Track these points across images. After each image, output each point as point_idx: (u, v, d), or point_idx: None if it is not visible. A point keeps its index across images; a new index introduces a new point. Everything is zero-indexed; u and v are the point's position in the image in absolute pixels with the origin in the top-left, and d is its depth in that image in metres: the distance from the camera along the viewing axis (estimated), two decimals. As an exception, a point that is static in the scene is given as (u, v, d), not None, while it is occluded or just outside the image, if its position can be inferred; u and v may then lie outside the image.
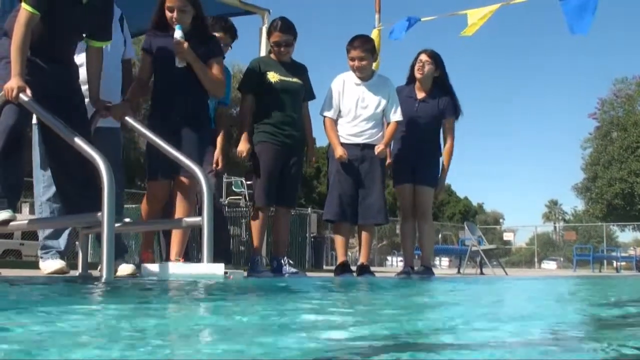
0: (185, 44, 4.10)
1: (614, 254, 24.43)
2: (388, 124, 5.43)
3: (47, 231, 4.55)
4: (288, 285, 3.70)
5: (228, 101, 5.22)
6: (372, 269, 5.88)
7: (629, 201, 37.58)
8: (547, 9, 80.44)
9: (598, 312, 2.21)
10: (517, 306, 2.55)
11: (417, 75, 5.68)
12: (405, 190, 5.68)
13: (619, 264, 22.97)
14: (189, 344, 1.23)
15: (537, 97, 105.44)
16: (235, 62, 25.01)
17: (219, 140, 4.89)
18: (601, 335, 1.50)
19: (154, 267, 3.79)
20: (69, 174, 3.91)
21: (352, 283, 4.49)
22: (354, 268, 5.78)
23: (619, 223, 36.14)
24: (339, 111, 5.40)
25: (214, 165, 4.82)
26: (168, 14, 4.16)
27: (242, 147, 5.02)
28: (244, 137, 5.05)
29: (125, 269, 4.40)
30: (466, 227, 14.16)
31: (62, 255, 4.53)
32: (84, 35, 3.97)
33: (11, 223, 3.72)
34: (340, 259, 5.52)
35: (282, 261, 5.17)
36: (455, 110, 5.79)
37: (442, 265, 26.61)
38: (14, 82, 3.53)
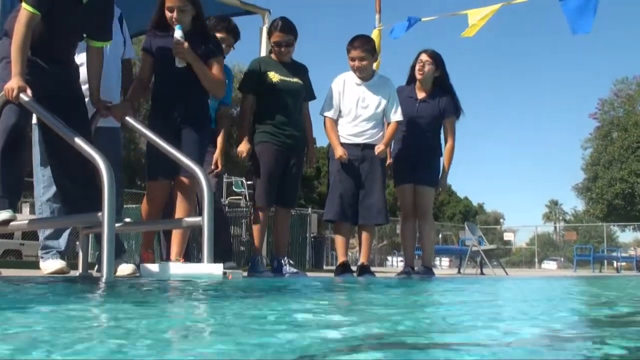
0: (185, 44, 4.10)
1: (614, 254, 24.41)
2: (388, 124, 5.43)
3: (48, 231, 4.55)
4: (286, 285, 3.70)
5: (229, 101, 5.20)
6: (373, 269, 5.88)
7: (630, 201, 37.59)
8: (547, 9, 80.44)
9: (593, 312, 2.22)
10: (515, 306, 2.55)
11: (418, 75, 5.68)
12: (406, 191, 5.68)
13: (619, 264, 22.96)
14: (184, 343, 1.23)
15: (537, 97, 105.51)
16: (235, 62, 25.02)
17: (219, 140, 4.87)
18: (591, 334, 1.50)
19: (153, 267, 3.80)
20: (69, 174, 3.91)
21: (352, 283, 4.49)
22: (354, 268, 5.78)
23: (620, 223, 36.14)
24: (340, 111, 5.41)
25: (213, 167, 4.80)
26: (168, 14, 4.16)
27: (242, 147, 5.02)
28: (244, 137, 5.05)
29: (124, 268, 4.40)
30: (466, 227, 14.16)
31: (62, 255, 4.53)
32: (85, 35, 3.98)
33: (11, 223, 3.73)
34: (341, 259, 5.52)
35: (283, 261, 5.17)
36: (455, 110, 5.79)
37: (443, 265, 26.61)
38: (14, 82, 3.53)
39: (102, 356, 1.05)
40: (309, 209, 17.18)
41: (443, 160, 5.79)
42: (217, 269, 3.48)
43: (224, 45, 4.87)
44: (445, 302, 2.84)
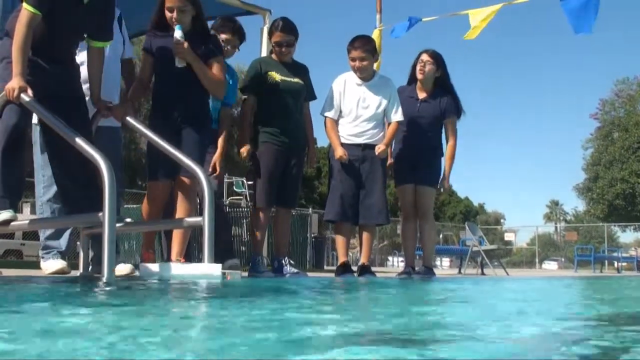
0: (185, 44, 4.10)
1: (615, 254, 24.42)
2: (389, 124, 5.43)
3: (48, 231, 4.55)
4: (286, 285, 3.70)
5: (233, 101, 5.15)
6: (373, 269, 5.88)
7: (630, 201, 37.58)
8: (548, 9, 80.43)
9: (590, 311, 2.22)
10: (512, 306, 2.54)
11: (419, 75, 5.68)
12: (407, 191, 5.68)
13: (620, 264, 22.96)
14: (178, 343, 1.23)
15: (538, 97, 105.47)
16: (236, 62, 24.98)
17: (220, 142, 4.84)
18: (589, 334, 1.50)
19: (151, 267, 3.80)
20: (70, 174, 3.91)
21: (353, 283, 4.49)
22: (355, 268, 5.78)
23: (620, 223, 36.12)
24: (340, 111, 5.41)
25: (210, 169, 4.75)
26: (168, 14, 4.16)
27: (243, 147, 5.02)
28: (244, 137, 5.05)
29: (122, 268, 4.40)
30: (467, 228, 14.16)
31: (63, 255, 4.53)
32: (85, 35, 3.98)
33: (12, 223, 3.72)
34: (341, 259, 5.51)
35: (283, 261, 5.17)
36: (456, 110, 5.79)
37: (443, 265, 26.62)
38: (15, 82, 3.53)
39: (102, 356, 1.05)
40: (310, 209, 17.19)
41: (444, 160, 5.79)
42: (216, 269, 3.48)
43: (228, 47, 4.86)
44: (444, 302, 2.84)
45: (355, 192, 5.34)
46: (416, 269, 5.76)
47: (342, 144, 5.31)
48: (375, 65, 5.68)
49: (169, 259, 4.30)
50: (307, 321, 1.64)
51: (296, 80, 5.10)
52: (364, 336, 1.37)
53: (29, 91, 3.55)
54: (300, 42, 5.18)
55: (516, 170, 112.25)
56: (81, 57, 4.14)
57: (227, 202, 15.26)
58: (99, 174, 3.32)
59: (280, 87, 5.03)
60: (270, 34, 5.17)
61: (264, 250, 5.29)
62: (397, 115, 5.40)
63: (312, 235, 15.91)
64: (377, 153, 5.28)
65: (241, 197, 16.47)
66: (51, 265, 4.39)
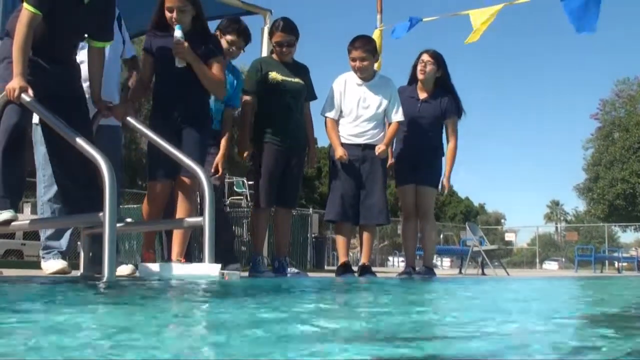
0: (185, 44, 4.10)
1: (615, 254, 24.42)
2: (389, 124, 5.43)
3: (49, 231, 4.55)
4: (287, 285, 3.70)
5: (238, 103, 5.06)
6: (374, 269, 5.88)
7: (631, 202, 37.58)
8: (549, 9, 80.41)
9: (588, 311, 2.21)
10: (515, 305, 2.54)
11: (420, 76, 5.67)
12: (407, 191, 5.68)
13: (620, 264, 22.96)
14: (177, 343, 1.23)
15: (538, 97, 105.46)
16: (236, 62, 24.99)
17: (223, 142, 4.81)
18: (586, 333, 1.50)
19: (151, 267, 3.80)
20: (70, 174, 3.91)
21: (353, 283, 4.49)
22: (355, 268, 5.78)
23: (621, 224, 36.12)
24: (341, 111, 5.41)
25: (213, 170, 4.75)
26: (168, 14, 4.15)
27: (243, 147, 5.02)
28: (244, 137, 5.05)
29: (124, 269, 4.41)
30: (468, 228, 14.15)
31: (63, 255, 4.54)
32: (86, 35, 3.98)
33: (13, 223, 3.73)
34: (342, 259, 5.51)
35: (284, 261, 5.17)
36: (457, 110, 5.79)
37: (444, 265, 26.62)
38: (15, 83, 3.54)
39: (101, 356, 1.05)
40: (310, 209, 17.20)
41: (445, 160, 5.79)
42: (214, 269, 3.48)
43: (233, 48, 4.85)
44: (444, 302, 2.84)
45: (355, 192, 5.34)
46: (417, 269, 5.76)
47: (343, 144, 5.31)
48: (375, 66, 5.67)
49: (169, 259, 4.30)
50: (307, 321, 1.64)
51: (297, 80, 5.10)
52: (363, 336, 1.37)
53: (30, 91, 3.56)
54: (301, 42, 5.18)
55: (517, 170, 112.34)
56: (81, 55, 4.14)
57: (228, 202, 15.26)
58: (99, 174, 3.33)
59: (281, 87, 5.03)
60: (271, 34, 5.17)
61: (264, 250, 5.29)
62: (397, 116, 5.40)
63: (313, 236, 15.92)
64: (377, 153, 5.28)
65: (242, 197, 16.48)
66: (52, 265, 4.40)
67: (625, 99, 40.77)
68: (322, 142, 18.14)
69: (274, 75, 5.02)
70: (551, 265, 39.15)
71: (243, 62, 4.91)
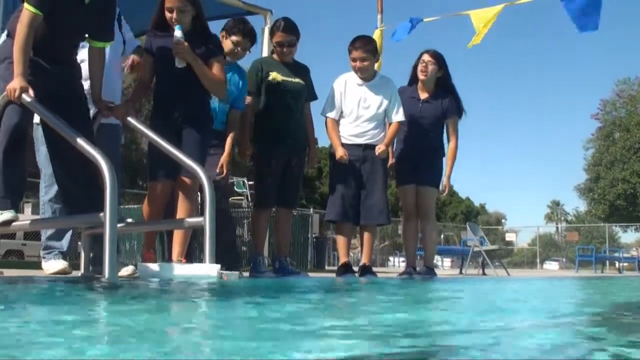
0: (185, 44, 4.09)
1: (616, 254, 24.41)
2: (390, 124, 5.43)
3: (50, 231, 4.56)
4: (287, 285, 3.70)
5: (242, 106, 4.93)
6: (374, 269, 5.87)
7: (632, 202, 37.56)
8: (550, 9, 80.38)
9: (586, 311, 2.21)
10: (510, 305, 2.54)
11: (421, 76, 5.67)
12: (408, 191, 5.68)
13: (621, 264, 22.95)
14: (175, 342, 1.23)
15: (538, 97, 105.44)
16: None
17: (228, 143, 4.77)
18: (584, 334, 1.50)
19: (150, 267, 3.80)
20: (71, 174, 3.91)
21: (354, 283, 4.49)
22: (356, 268, 5.78)
23: (622, 224, 36.10)
24: (341, 112, 5.41)
25: (218, 170, 4.71)
26: (168, 14, 4.15)
27: (244, 147, 5.01)
28: (245, 137, 5.05)
29: (123, 270, 4.41)
30: (468, 228, 14.15)
31: (64, 255, 4.54)
32: (86, 35, 3.98)
33: (13, 223, 3.73)
34: (343, 259, 5.51)
35: (284, 261, 5.17)
36: (458, 111, 5.78)
37: (445, 265, 26.62)
38: (16, 83, 3.54)
39: (102, 356, 1.05)
40: (311, 209, 17.19)
41: (445, 160, 5.79)
42: (213, 269, 3.48)
43: (239, 49, 4.82)
44: (443, 302, 2.84)
45: (356, 193, 5.34)
46: (417, 269, 5.76)
47: (343, 144, 5.31)
48: (376, 66, 5.68)
49: (170, 259, 4.30)
50: (307, 321, 1.64)
51: (297, 80, 5.10)
52: (363, 335, 1.37)
53: (30, 91, 3.56)
54: (301, 42, 5.18)
55: (517, 170, 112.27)
56: (82, 54, 4.14)
57: (228, 202, 15.25)
58: (100, 174, 3.33)
59: (282, 88, 5.03)
60: (272, 34, 5.17)
61: (265, 251, 5.29)
62: (398, 116, 5.40)
63: (313, 236, 15.91)
64: (377, 153, 5.28)
65: (242, 198, 16.47)
66: (52, 265, 4.40)
67: (626, 99, 40.75)
68: (322, 142, 18.17)
69: (274, 75, 5.02)
70: (552, 266, 39.13)
71: (244, 62, 4.90)
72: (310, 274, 6.64)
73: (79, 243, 4.49)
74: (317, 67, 6.01)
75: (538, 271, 25.90)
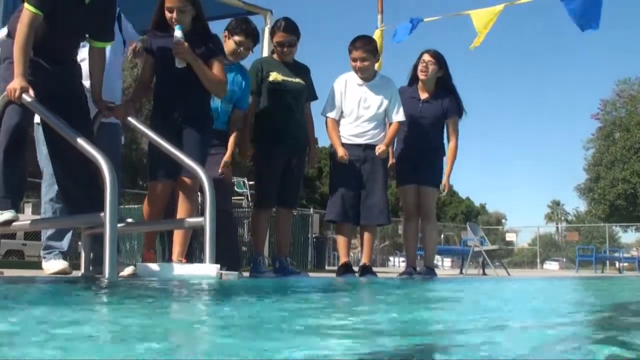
0: (185, 44, 4.09)
1: (616, 254, 24.41)
2: (390, 124, 5.43)
3: (50, 231, 4.56)
4: (287, 285, 3.70)
5: (246, 105, 4.91)
6: (375, 269, 5.88)
7: (632, 202, 37.56)
8: (550, 9, 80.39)
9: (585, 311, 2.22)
10: (510, 305, 2.55)
11: (421, 76, 5.67)
12: (408, 191, 5.68)
13: (621, 264, 22.95)
14: (174, 342, 1.23)
15: (539, 97, 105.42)
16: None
17: (231, 142, 4.75)
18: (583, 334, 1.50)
19: (149, 267, 3.80)
20: (71, 174, 3.91)
21: (354, 283, 4.49)
22: (356, 269, 5.78)
23: (622, 224, 36.10)
24: (341, 112, 5.41)
25: (220, 170, 4.69)
26: (168, 14, 4.15)
27: (244, 147, 5.02)
28: (245, 137, 5.05)
29: (125, 270, 4.40)
30: (468, 228, 14.15)
31: (64, 255, 4.54)
32: (86, 35, 3.98)
33: (14, 223, 3.73)
34: (343, 259, 5.52)
35: (285, 261, 5.17)
36: (458, 110, 5.79)
37: (445, 265, 26.61)
38: (16, 83, 3.54)
39: (99, 356, 1.05)
40: (311, 209, 17.20)
41: (446, 160, 5.79)
42: (212, 269, 3.48)
43: (242, 49, 4.80)
44: (443, 302, 2.84)
45: (356, 193, 5.34)
46: (417, 269, 5.76)
47: (343, 144, 5.31)
48: (376, 66, 5.68)
49: (170, 259, 4.30)
50: (306, 321, 1.65)
51: (297, 80, 5.10)
52: (362, 335, 1.37)
53: (31, 91, 3.56)
54: (302, 42, 5.18)
55: (517, 170, 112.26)
56: (82, 53, 4.14)
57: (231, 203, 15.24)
58: (100, 174, 3.33)
59: (282, 88, 5.03)
60: (272, 34, 5.17)
61: (265, 251, 5.29)
62: (398, 116, 5.40)
63: (314, 236, 15.92)
64: (377, 153, 5.28)
65: (242, 198, 16.47)
66: (53, 265, 4.40)
67: (626, 98, 40.75)
68: (322, 142, 18.15)
69: (274, 75, 5.02)
70: (552, 266, 39.13)
71: (244, 62, 4.89)
72: (311, 274, 6.65)
73: (79, 243, 4.49)
74: (317, 67, 6.01)
75: (538, 271, 25.90)
